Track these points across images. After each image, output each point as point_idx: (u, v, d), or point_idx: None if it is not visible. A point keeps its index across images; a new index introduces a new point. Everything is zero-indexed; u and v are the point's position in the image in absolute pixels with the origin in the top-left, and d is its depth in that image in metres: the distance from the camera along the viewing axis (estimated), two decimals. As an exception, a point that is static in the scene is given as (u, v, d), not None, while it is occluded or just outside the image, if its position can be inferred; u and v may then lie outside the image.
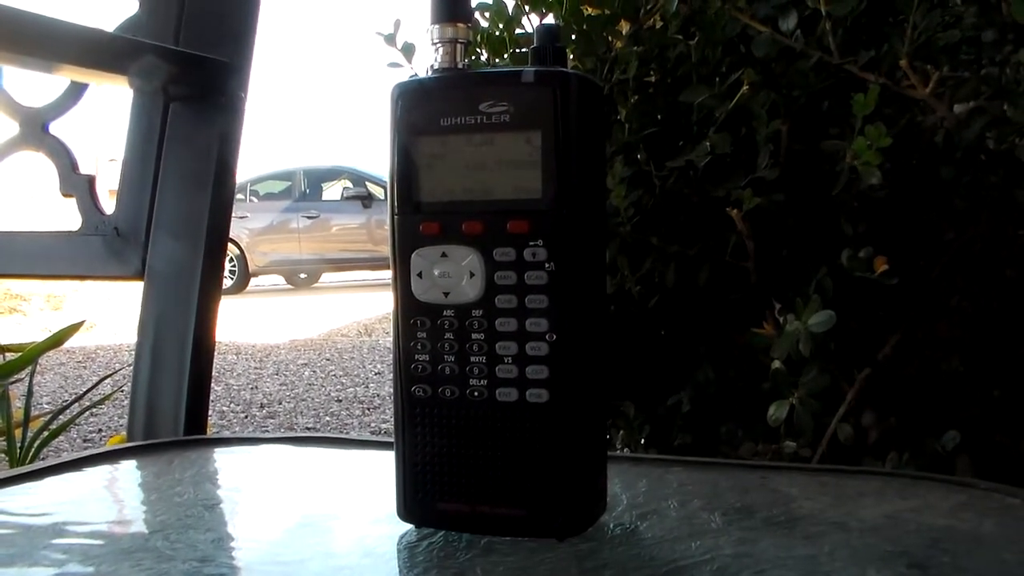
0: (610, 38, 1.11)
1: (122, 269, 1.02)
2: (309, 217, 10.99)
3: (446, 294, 0.58)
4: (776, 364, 0.98)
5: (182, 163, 1.00)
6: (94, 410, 3.92)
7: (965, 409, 1.13)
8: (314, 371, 5.43)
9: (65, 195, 1.08)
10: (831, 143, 1.00)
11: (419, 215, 0.58)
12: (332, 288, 10.98)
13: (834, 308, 0.94)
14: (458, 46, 0.59)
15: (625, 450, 1.20)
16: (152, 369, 0.97)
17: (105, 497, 0.73)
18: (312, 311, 8.51)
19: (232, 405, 4.45)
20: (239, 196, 11.33)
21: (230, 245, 10.78)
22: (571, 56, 1.14)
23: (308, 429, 3.91)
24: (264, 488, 0.75)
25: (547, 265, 0.56)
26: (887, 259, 0.97)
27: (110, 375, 2.67)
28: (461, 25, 0.59)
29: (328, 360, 5.78)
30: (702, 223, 1.06)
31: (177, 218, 0.99)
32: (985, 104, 1.01)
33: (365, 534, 0.62)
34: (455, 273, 0.57)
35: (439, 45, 0.59)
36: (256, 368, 5.56)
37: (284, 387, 4.94)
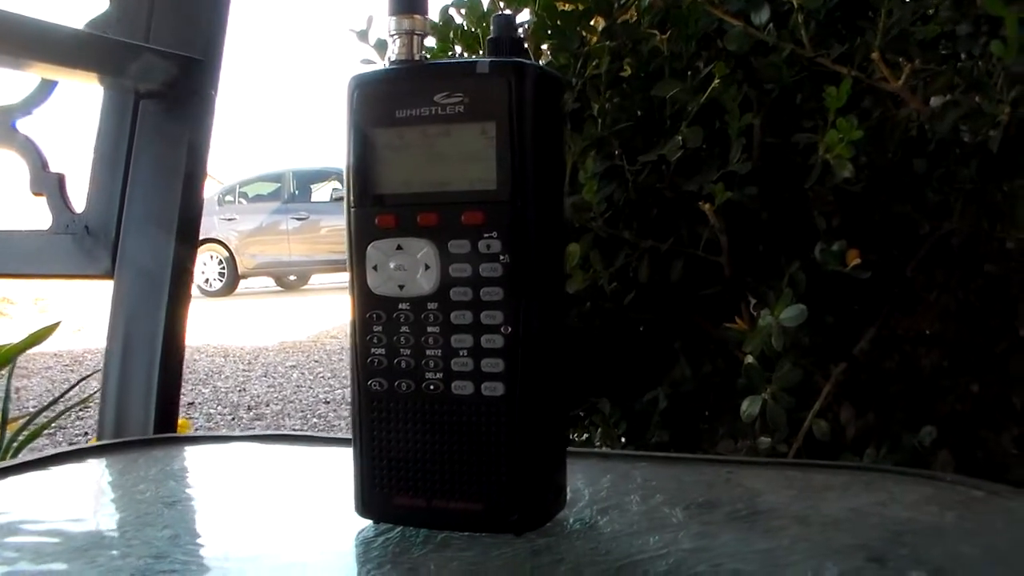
0: (584, 33, 1.11)
1: (92, 268, 1.02)
2: (298, 219, 10.98)
3: (401, 287, 0.58)
4: (749, 359, 0.98)
5: (153, 161, 1.00)
6: (82, 413, 3.91)
7: (945, 404, 1.13)
8: (303, 373, 5.43)
9: (35, 194, 1.08)
10: (803, 136, 1.00)
11: (375, 208, 0.58)
12: (322, 290, 10.97)
13: (808, 302, 0.94)
14: (415, 38, 0.59)
15: (604, 447, 1.20)
16: (122, 368, 0.97)
17: (65, 495, 0.72)
18: (301, 313, 8.50)
19: (219, 407, 4.44)
20: (228, 198, 11.33)
21: (219, 247, 10.79)
22: (546, 51, 1.14)
23: (304, 431, 3.90)
24: (227, 486, 0.75)
25: (501, 257, 0.55)
26: (860, 252, 0.97)
27: (87, 376, 2.66)
28: (418, 17, 0.59)
29: (317, 362, 5.77)
30: (675, 217, 1.06)
31: (147, 216, 0.98)
32: (959, 97, 1.01)
33: (323, 530, 0.62)
34: (410, 266, 0.57)
35: (396, 37, 0.59)
36: (244, 370, 5.55)
37: (272, 389, 4.94)
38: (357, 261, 0.59)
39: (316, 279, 11.60)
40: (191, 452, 0.86)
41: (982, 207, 1.05)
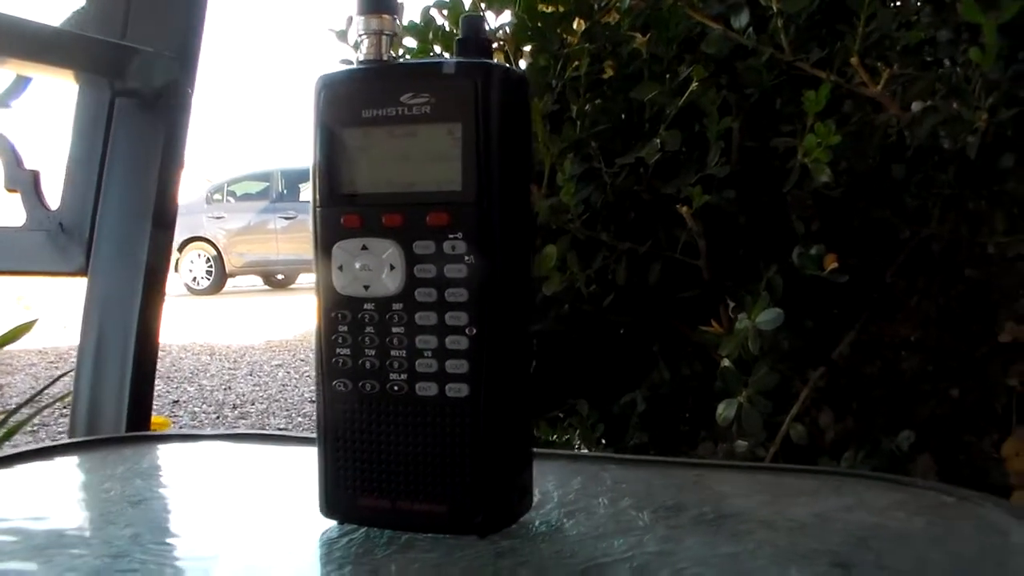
0: (565, 35, 1.11)
1: (66, 265, 1.01)
2: (286, 218, 10.97)
3: (366, 287, 0.57)
4: (725, 362, 0.98)
5: (128, 158, 0.99)
6: (67, 410, 3.89)
7: (925, 409, 1.13)
8: (288, 372, 5.42)
9: (9, 190, 1.07)
10: (782, 140, 1.00)
11: (341, 207, 0.58)
12: (309, 289, 10.93)
13: (786, 307, 0.95)
14: (383, 38, 0.59)
15: (583, 448, 1.21)
16: (95, 366, 0.97)
17: (30, 494, 0.72)
18: (288, 312, 8.49)
19: (204, 406, 4.43)
20: (216, 196, 11.32)
21: (207, 246, 10.78)
22: (527, 52, 1.14)
23: (280, 430, 3.90)
24: (194, 484, 0.75)
25: (466, 258, 0.55)
26: (838, 257, 0.97)
27: (67, 372, 2.64)
28: (387, 16, 0.59)
29: (303, 361, 5.77)
30: (653, 220, 1.06)
31: (122, 214, 0.98)
32: (938, 103, 1.01)
33: (287, 530, 0.62)
34: (375, 266, 0.57)
35: (364, 37, 0.59)
36: (230, 369, 5.54)
37: (257, 388, 4.93)
38: (322, 261, 0.59)
39: (304, 278, 11.59)
40: (161, 451, 0.86)
41: (960, 213, 1.05)
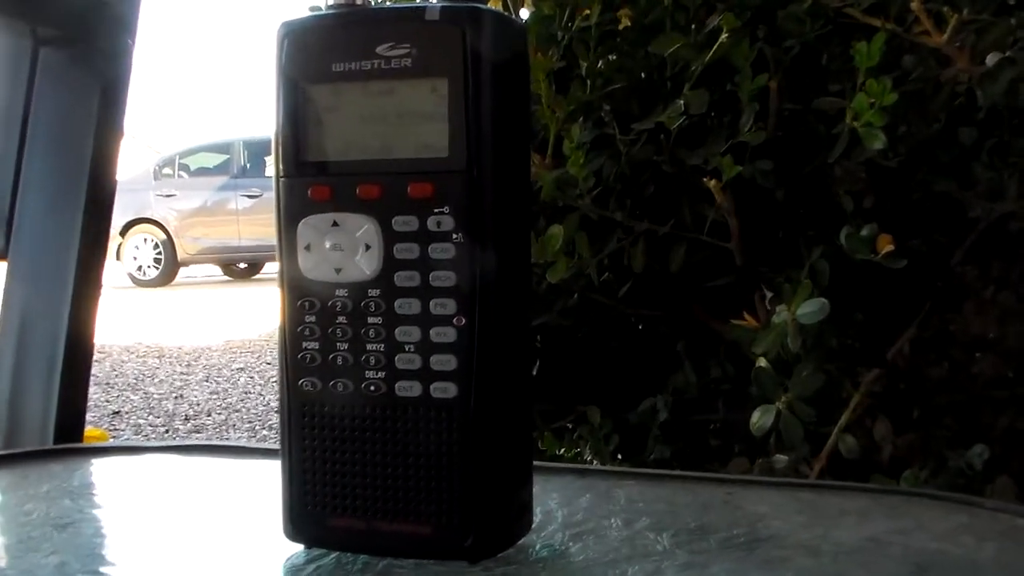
0: (573, -22, 1.11)
1: (-19, 246, 1.01)
2: (250, 196, 10.97)
3: (338, 270, 0.58)
4: (761, 362, 0.98)
5: (56, 121, 0.99)
6: None
7: (1002, 420, 1.13)
8: (252, 377, 5.43)
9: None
10: (828, 101, 1.00)
11: (307, 177, 0.58)
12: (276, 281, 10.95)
13: (832, 296, 0.95)
14: (358, -22, 0.59)
15: (595, 463, 1.21)
16: (16, 367, 0.97)
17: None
18: (252, 307, 8.50)
19: (151, 417, 4.44)
20: (166, 171, 11.32)
21: (156, 229, 10.77)
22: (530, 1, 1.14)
23: (218, 441, 3.90)
24: (135, 505, 0.75)
25: (454, 236, 0.56)
26: (894, 238, 0.97)
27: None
28: (361, -47, 0.59)
29: (269, 364, 5.78)
30: (676, 196, 1.06)
31: (49, 186, 0.98)
32: (1016, 54, 1.01)
33: (245, 557, 0.62)
34: (348, 245, 0.57)
35: (335, -24, 0.59)
36: (182, 374, 5.55)
37: (215, 396, 4.94)
38: (287, 240, 0.59)
39: (271, 267, 11.60)
40: (96, 466, 0.86)
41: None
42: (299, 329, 0.59)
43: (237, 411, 4.58)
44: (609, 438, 1.15)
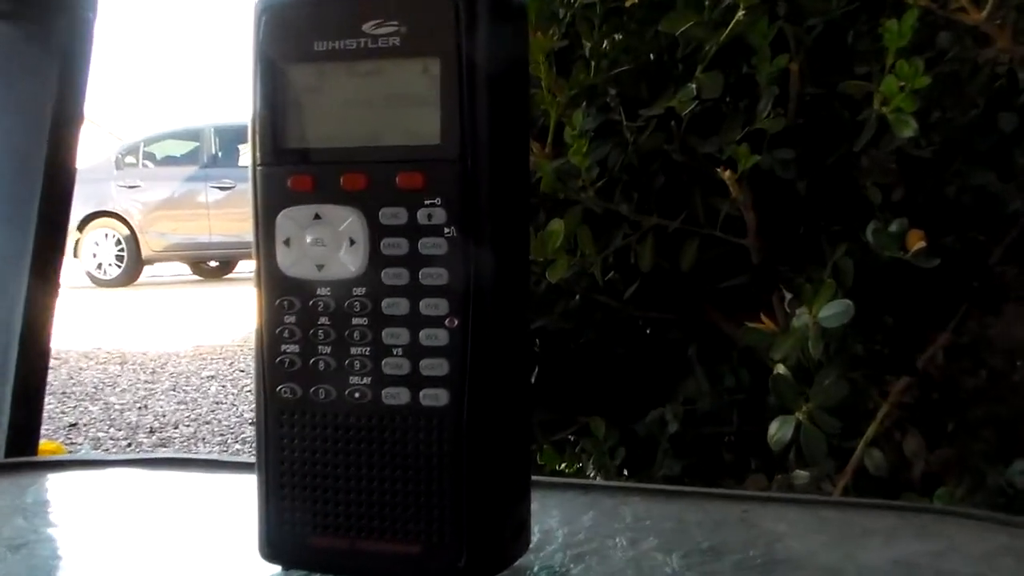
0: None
1: (-76, 242, 1.01)
2: (222, 188, 10.97)
3: (320, 267, 0.58)
4: (780, 369, 0.99)
5: (9, 103, 0.99)
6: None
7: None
8: (224, 386, 5.43)
9: None
10: (854, 84, 1.01)
11: (287, 166, 0.59)
12: (251, 280, 10.95)
13: (858, 298, 0.95)
14: (341, -51, 0.59)
15: (598, 479, 1.21)
16: (-37, 375, 0.97)
17: None
18: (224, 309, 8.50)
19: (111, 430, 4.44)
20: (129, 160, 11.31)
21: (118, 224, 10.76)
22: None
23: (188, 454, 3.90)
24: (95, 523, 0.75)
25: (446, 230, 0.56)
26: (925, 234, 0.98)
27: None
28: (347, -78, 0.59)
29: (243, 372, 5.77)
30: (687, 188, 1.07)
31: (1, 175, 0.98)
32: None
33: (218, 579, 0.63)
34: (331, 240, 0.58)
35: (317, -53, 0.59)
36: (147, 382, 5.55)
37: (183, 406, 4.94)
38: (264, 234, 0.59)
39: (245, 266, 11.59)
40: (53, 481, 0.86)
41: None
42: (277, 331, 0.59)
43: (207, 423, 4.58)
44: (614, 452, 1.15)
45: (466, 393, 0.57)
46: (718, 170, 0.99)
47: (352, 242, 0.57)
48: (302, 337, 0.59)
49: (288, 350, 0.59)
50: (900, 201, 1.05)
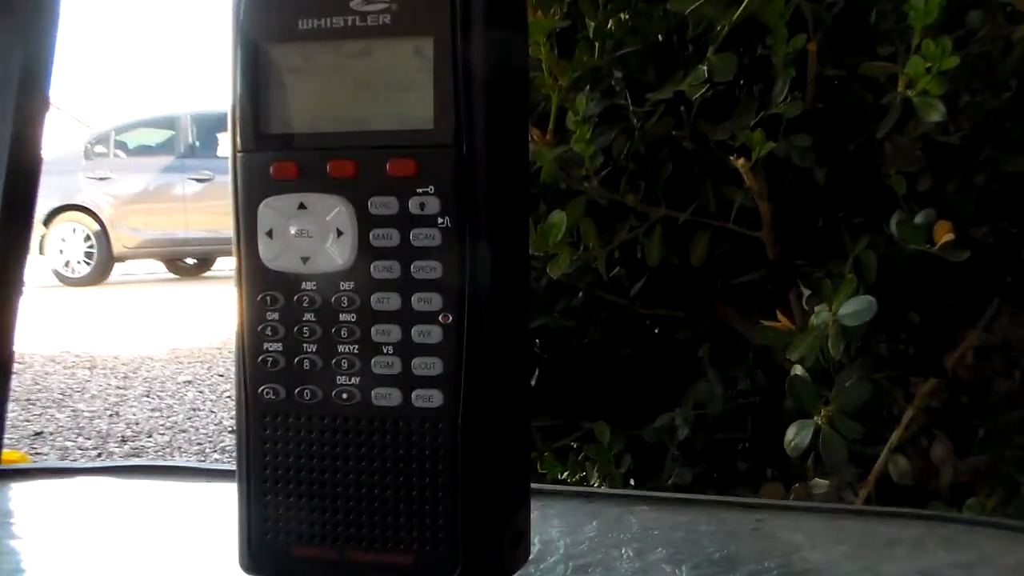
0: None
1: None
2: (199, 180, 10.96)
3: (305, 260, 0.58)
4: (797, 370, 0.99)
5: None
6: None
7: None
8: (201, 391, 5.43)
9: None
10: (876, 66, 1.01)
11: (269, 152, 0.59)
12: (230, 278, 10.94)
13: (881, 294, 0.95)
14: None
15: (603, 488, 1.22)
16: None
17: None
18: (201, 309, 8.49)
19: (80, 439, 4.44)
20: (100, 149, 11.29)
21: (87, 218, 10.75)
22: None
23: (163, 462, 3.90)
24: (64, 534, 0.75)
25: (440, 220, 0.56)
26: (953, 226, 0.98)
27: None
28: None
29: (222, 376, 5.77)
30: (697, 177, 1.07)
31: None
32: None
33: (197, 593, 0.63)
34: (317, 231, 0.58)
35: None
36: (119, 388, 5.55)
37: (158, 413, 4.94)
38: (245, 226, 0.60)
39: (223, 263, 11.58)
40: (17, 491, 0.86)
41: None
42: (260, 328, 0.60)
43: (184, 431, 4.58)
44: (620, 460, 1.16)
45: (461, 394, 0.57)
46: (731, 158, 0.99)
47: (339, 233, 0.58)
48: (286, 335, 0.59)
49: (271, 348, 0.59)
50: (926, 191, 1.05)
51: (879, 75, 1.01)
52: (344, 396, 0.58)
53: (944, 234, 0.97)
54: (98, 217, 10.95)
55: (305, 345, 0.59)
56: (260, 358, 0.60)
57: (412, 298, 0.57)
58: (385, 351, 0.57)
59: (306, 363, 0.59)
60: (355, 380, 0.58)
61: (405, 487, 0.58)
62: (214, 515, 0.75)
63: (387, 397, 0.58)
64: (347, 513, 0.59)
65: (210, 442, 4.40)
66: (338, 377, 0.58)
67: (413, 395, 0.57)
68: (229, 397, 5.17)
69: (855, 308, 0.94)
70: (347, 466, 0.59)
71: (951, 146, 1.04)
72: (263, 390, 0.60)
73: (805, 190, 1.06)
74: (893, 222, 0.98)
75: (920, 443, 1.13)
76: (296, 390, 0.59)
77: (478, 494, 0.58)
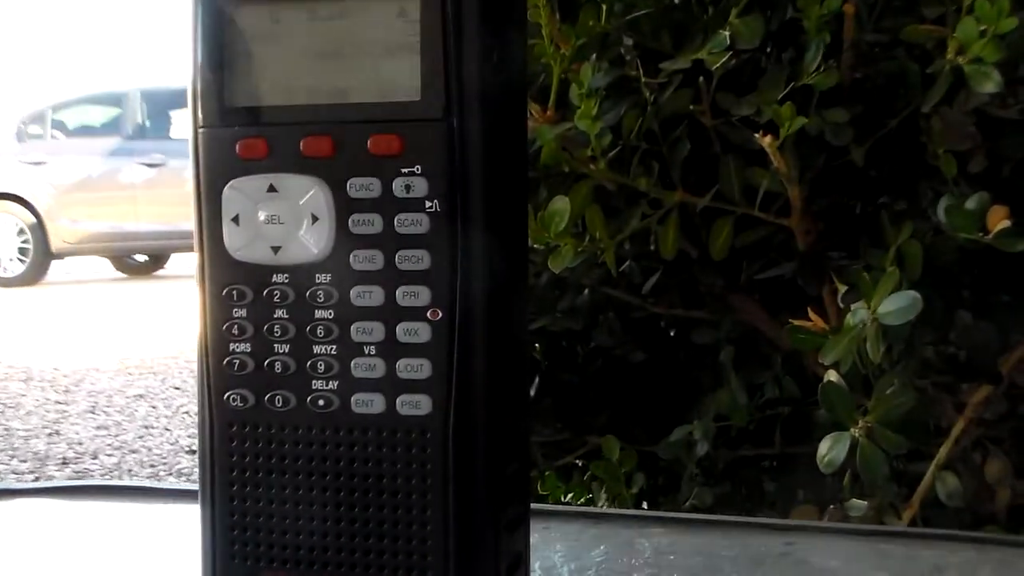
0: None
1: None
2: (151, 164, 10.92)
3: (276, 249, 0.59)
4: (831, 375, 0.99)
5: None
6: None
7: None
8: (154, 407, 5.41)
9: None
10: (922, 29, 1.01)
11: (235, 128, 0.59)
12: (187, 277, 10.93)
13: (927, 290, 0.95)
14: None
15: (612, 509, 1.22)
16: None
17: None
18: (154, 313, 8.47)
19: (14, 461, 4.43)
20: (35, 130, 11.26)
21: (21, 209, 10.72)
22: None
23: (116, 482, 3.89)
24: (3, 563, 0.76)
25: (427, 204, 0.57)
26: (1009, 212, 0.98)
27: None
28: None
29: (178, 389, 5.75)
30: (718, 158, 1.07)
31: None
32: None
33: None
34: (290, 217, 0.58)
35: None
36: (59, 403, 5.53)
37: (104, 432, 4.93)
38: (208, 211, 0.60)
39: (179, 261, 11.55)
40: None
41: None
42: (225, 327, 0.60)
43: (134, 451, 4.57)
44: (631, 479, 1.16)
45: (451, 400, 0.57)
46: (756, 136, 0.99)
47: (314, 219, 0.58)
48: (255, 334, 0.59)
49: (238, 350, 0.60)
50: (979, 172, 1.05)
51: (925, 40, 1.01)
52: (320, 403, 0.59)
53: (999, 221, 0.97)
54: (33, 208, 10.89)
55: (276, 345, 0.59)
56: (226, 360, 0.60)
57: (397, 292, 0.57)
58: (366, 352, 0.58)
59: (277, 366, 0.59)
60: (333, 385, 0.58)
61: (389, 505, 0.58)
62: (174, 538, 0.75)
63: (369, 404, 0.58)
64: (323, 535, 0.59)
65: (164, 464, 4.39)
66: (314, 381, 0.59)
67: (398, 401, 0.58)
68: (187, 413, 5.17)
69: (897, 305, 0.94)
70: (323, 482, 0.59)
71: (1008, 121, 1.04)
72: (229, 396, 0.60)
73: (840, 172, 1.06)
74: (941, 208, 0.98)
75: (972, 459, 1.13)
76: (266, 396, 0.59)
77: (470, 514, 0.59)
